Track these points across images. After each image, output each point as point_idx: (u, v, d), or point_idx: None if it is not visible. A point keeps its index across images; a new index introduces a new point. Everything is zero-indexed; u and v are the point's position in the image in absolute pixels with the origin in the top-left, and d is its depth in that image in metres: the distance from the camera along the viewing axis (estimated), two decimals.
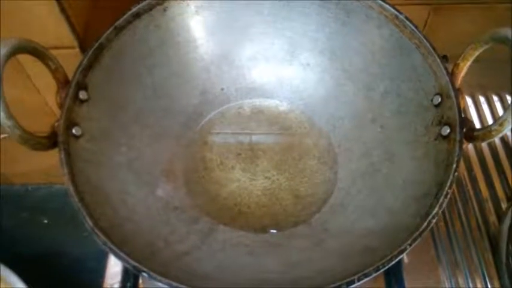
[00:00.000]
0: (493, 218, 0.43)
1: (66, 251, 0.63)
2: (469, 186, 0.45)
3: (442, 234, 0.43)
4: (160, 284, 0.28)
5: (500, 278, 0.40)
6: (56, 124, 0.33)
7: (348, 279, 0.28)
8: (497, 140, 0.47)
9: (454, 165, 0.31)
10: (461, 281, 0.40)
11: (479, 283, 0.40)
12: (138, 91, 0.40)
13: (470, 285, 0.40)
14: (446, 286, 0.40)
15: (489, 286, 0.40)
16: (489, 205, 0.44)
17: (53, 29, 0.41)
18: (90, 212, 0.30)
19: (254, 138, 0.43)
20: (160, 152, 0.40)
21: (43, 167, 0.60)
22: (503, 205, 0.44)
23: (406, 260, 0.41)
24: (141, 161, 0.39)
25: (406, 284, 0.39)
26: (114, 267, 0.40)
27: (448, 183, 0.31)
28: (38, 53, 0.32)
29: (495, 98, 0.51)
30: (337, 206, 0.39)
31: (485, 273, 0.41)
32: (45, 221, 0.64)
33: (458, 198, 0.45)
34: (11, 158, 0.57)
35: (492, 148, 0.48)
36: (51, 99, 0.35)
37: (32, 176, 0.62)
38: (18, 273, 0.53)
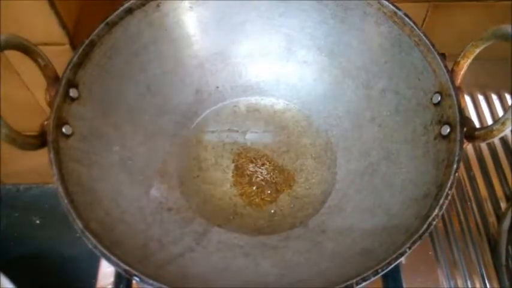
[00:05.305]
0: (492, 218, 0.43)
1: (59, 251, 0.62)
2: (468, 186, 0.45)
3: (440, 235, 0.43)
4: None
5: (499, 280, 0.40)
6: (46, 123, 0.32)
7: (347, 284, 0.27)
8: (496, 140, 0.46)
9: (455, 166, 0.31)
10: (460, 281, 0.40)
11: (478, 284, 0.40)
12: (131, 89, 0.39)
13: (469, 286, 0.40)
14: (445, 287, 0.40)
15: (488, 287, 0.40)
16: (488, 205, 0.44)
17: (42, 25, 0.40)
18: (80, 213, 0.30)
19: (250, 137, 0.42)
20: (154, 151, 0.40)
21: (35, 166, 0.59)
22: (503, 205, 0.44)
23: (404, 260, 0.40)
24: (134, 161, 0.38)
25: (404, 284, 0.39)
26: (107, 267, 0.40)
27: (449, 184, 0.30)
28: (27, 49, 0.32)
29: (494, 97, 0.50)
30: (335, 207, 0.38)
31: (484, 274, 0.41)
32: (37, 221, 0.63)
33: (457, 198, 0.45)
34: (2, 158, 0.57)
35: (491, 147, 0.47)
36: (41, 96, 0.34)
37: (23, 175, 0.62)
38: (10, 274, 0.52)
